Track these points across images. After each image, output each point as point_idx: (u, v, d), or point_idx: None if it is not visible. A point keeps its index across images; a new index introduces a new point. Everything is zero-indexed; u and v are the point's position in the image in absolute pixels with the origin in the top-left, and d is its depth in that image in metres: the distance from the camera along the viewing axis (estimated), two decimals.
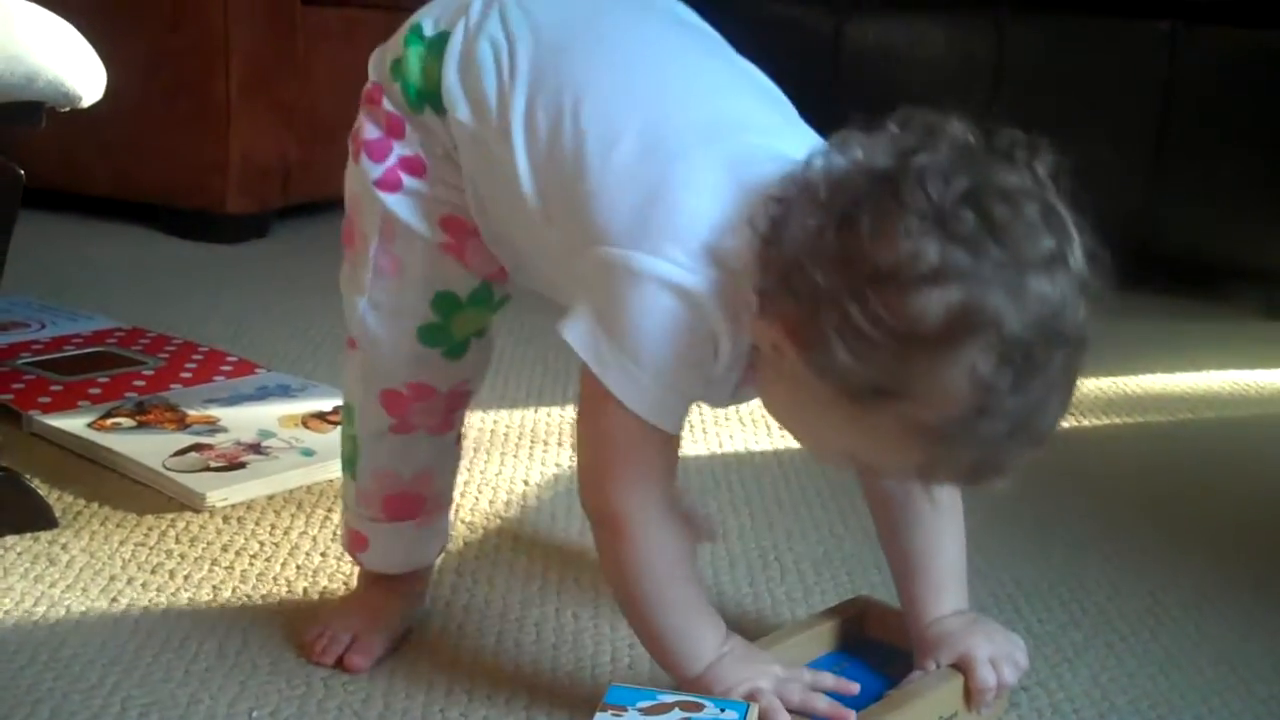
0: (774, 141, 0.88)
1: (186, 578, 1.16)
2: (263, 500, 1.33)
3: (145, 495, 1.33)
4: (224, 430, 1.47)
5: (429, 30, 0.94)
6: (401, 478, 1.04)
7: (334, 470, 1.38)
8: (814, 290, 0.79)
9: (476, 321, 1.01)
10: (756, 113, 0.92)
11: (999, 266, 0.76)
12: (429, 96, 0.93)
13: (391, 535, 1.06)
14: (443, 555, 1.15)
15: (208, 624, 1.08)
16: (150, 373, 1.65)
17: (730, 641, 0.92)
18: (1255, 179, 2.33)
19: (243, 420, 1.50)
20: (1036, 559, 1.28)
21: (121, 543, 1.22)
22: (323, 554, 1.22)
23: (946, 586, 0.98)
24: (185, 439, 1.44)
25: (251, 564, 1.19)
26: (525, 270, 0.98)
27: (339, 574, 1.18)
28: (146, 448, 1.40)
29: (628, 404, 0.86)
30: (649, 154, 0.87)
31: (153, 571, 1.17)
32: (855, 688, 0.92)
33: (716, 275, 0.84)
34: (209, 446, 1.42)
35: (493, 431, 1.56)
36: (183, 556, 1.20)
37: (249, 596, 1.14)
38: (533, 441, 1.54)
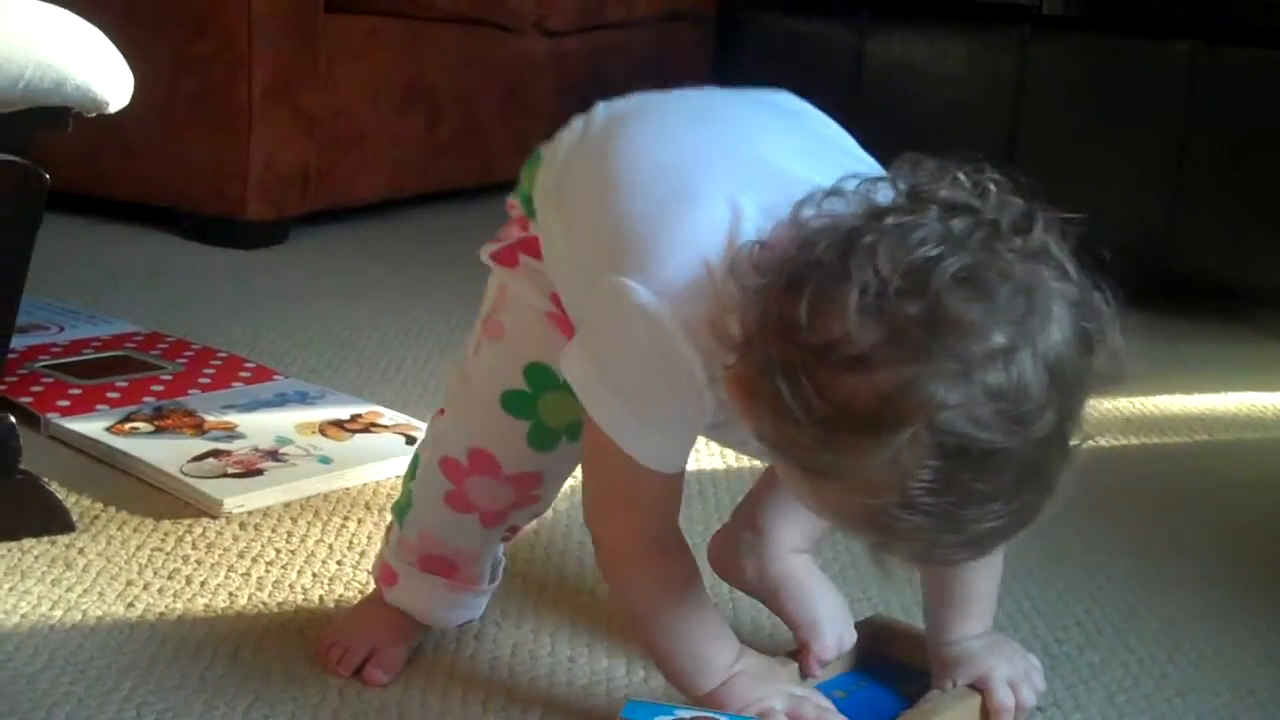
0: (804, 172, 0.84)
1: (203, 584, 1.17)
2: (279, 507, 1.33)
3: (162, 500, 1.33)
4: (242, 436, 1.47)
5: (543, 153, 0.97)
6: (445, 545, 1.04)
7: (351, 478, 1.39)
8: (757, 356, 0.76)
9: (570, 409, 0.94)
10: (804, 158, 0.87)
11: (942, 356, 0.71)
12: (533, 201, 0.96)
13: (422, 583, 1.04)
14: None
15: (223, 630, 1.09)
16: (169, 378, 1.65)
17: (743, 660, 0.92)
18: (1276, 200, 2.32)
19: (261, 427, 1.50)
20: (1052, 579, 1.28)
21: (138, 547, 1.22)
22: (339, 562, 1.22)
23: (974, 609, 0.98)
24: (203, 444, 1.44)
25: (268, 571, 1.20)
26: None
27: (355, 582, 1.18)
28: (164, 453, 1.40)
29: (617, 441, 0.85)
30: (660, 174, 0.87)
31: (169, 577, 1.17)
32: None
33: (691, 306, 0.81)
34: (227, 452, 1.42)
35: None
36: (199, 562, 1.20)
37: (265, 603, 1.14)
38: None
